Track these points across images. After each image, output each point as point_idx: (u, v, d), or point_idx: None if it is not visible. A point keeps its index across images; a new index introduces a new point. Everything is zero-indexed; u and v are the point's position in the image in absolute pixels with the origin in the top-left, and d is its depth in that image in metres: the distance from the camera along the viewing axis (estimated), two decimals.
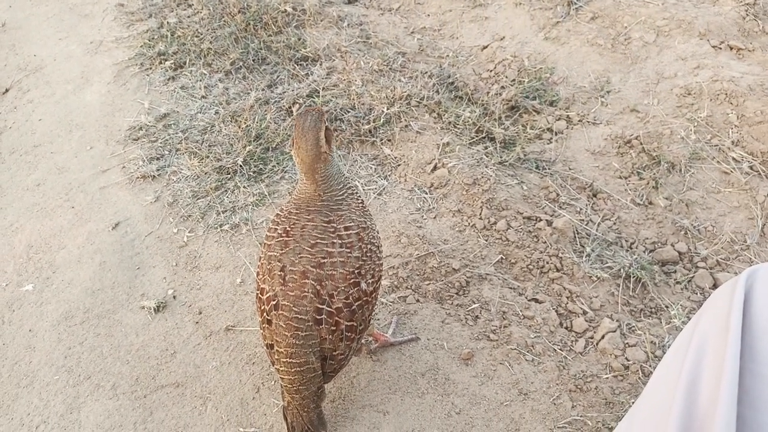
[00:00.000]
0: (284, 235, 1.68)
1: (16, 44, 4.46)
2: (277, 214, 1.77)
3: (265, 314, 1.68)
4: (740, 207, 2.52)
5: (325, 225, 1.66)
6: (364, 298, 1.65)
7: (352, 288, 1.61)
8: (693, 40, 3.35)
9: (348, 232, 1.65)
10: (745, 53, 3.26)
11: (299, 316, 1.60)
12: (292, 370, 1.63)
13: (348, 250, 1.63)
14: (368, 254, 1.67)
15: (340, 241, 1.63)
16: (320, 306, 1.59)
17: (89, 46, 4.19)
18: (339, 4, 4.44)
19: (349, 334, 1.64)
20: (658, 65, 3.29)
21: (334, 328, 1.61)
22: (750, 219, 2.46)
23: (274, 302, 1.63)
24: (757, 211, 2.47)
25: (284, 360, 1.63)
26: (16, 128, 3.61)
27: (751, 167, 2.65)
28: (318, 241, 1.63)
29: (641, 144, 2.84)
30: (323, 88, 3.33)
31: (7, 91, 4.01)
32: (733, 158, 2.69)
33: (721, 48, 3.29)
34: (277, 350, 1.65)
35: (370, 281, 1.66)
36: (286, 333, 1.61)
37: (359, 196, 1.81)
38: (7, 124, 3.67)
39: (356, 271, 1.62)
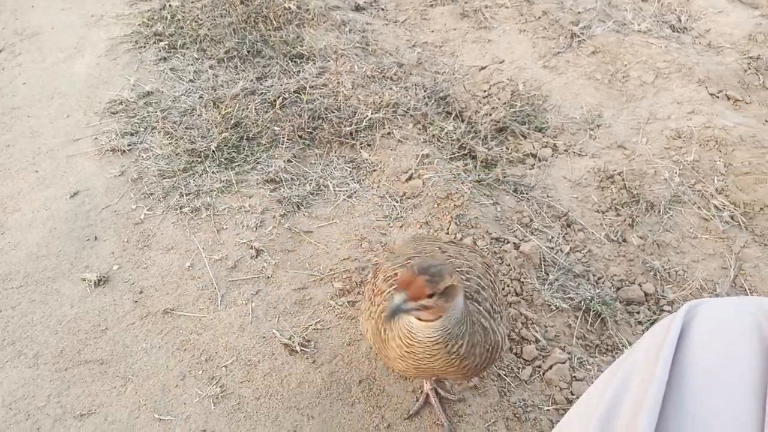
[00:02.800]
0: None
1: (19, 9, 4.43)
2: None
3: None
4: (715, 255, 2.43)
5: None
6: None
7: None
8: (691, 85, 3.30)
9: None
10: (741, 104, 3.20)
11: None
12: None
13: None
14: None
15: None
16: None
17: (89, 19, 4.16)
18: (346, 9, 4.41)
19: None
20: (652, 106, 3.23)
21: None
22: (723, 268, 2.37)
23: None
24: (732, 261, 2.38)
25: None
26: None
27: (731, 217, 2.56)
28: None
29: (623, 180, 2.77)
30: (311, 86, 3.27)
31: None
32: (715, 206, 2.61)
33: (718, 96, 3.24)
34: None
35: None
36: None
37: None
38: None
39: None
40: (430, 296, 1.26)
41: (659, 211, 2.62)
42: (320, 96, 3.23)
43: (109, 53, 3.70)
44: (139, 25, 3.92)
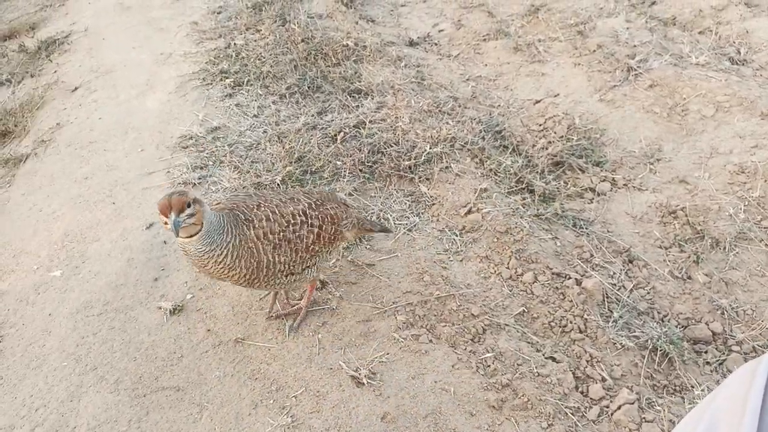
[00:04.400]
0: None
1: (94, 48, 4.74)
2: None
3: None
4: None
5: None
6: None
7: None
8: (754, 119, 3.25)
9: None
10: None
11: None
12: None
13: None
14: None
15: None
16: None
17: (159, 57, 4.41)
18: (400, 45, 4.54)
19: None
20: (713, 140, 3.19)
21: None
22: None
23: None
24: None
25: None
26: (77, 124, 3.79)
27: None
28: None
29: (686, 216, 2.74)
30: (370, 121, 3.37)
31: (76, 89, 4.24)
32: None
33: None
34: None
35: None
36: None
37: None
38: (69, 119, 3.86)
39: None
40: (189, 206, 1.73)
41: (725, 248, 2.58)
42: (379, 130, 3.32)
43: (178, 90, 3.91)
44: (205, 62, 4.13)
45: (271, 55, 4.10)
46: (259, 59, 4.06)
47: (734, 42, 4.05)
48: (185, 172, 3.11)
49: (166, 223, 1.74)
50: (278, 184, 2.94)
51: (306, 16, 4.59)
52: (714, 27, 4.24)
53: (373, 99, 3.65)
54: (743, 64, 3.83)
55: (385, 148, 3.18)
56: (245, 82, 3.86)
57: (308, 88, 3.77)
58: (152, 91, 3.98)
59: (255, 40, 4.35)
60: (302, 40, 4.16)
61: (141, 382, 2.12)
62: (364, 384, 2.04)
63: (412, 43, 4.62)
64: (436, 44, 4.67)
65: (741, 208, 2.73)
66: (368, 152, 3.15)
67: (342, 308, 2.36)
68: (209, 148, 3.28)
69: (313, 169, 3.06)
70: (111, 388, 2.12)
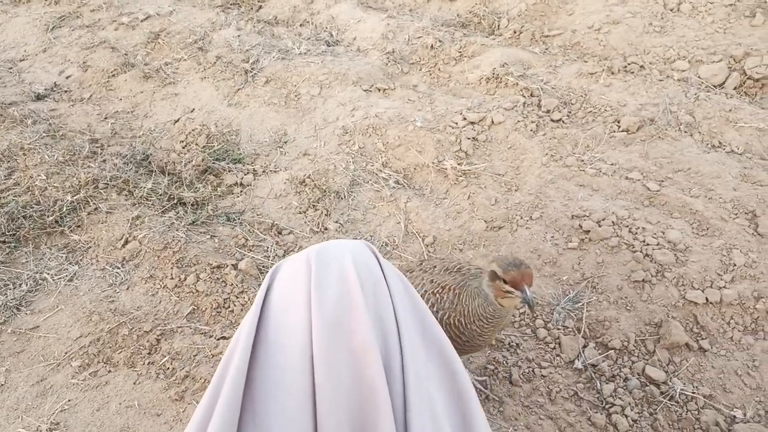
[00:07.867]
0: None
1: None
2: None
3: None
4: (390, 216, 3.04)
5: None
6: None
7: None
8: (349, 88, 3.97)
9: None
10: (389, 92, 3.95)
11: None
12: None
13: None
14: None
15: None
16: None
17: None
18: (25, 102, 4.33)
19: None
20: (324, 113, 3.82)
21: None
22: (397, 223, 2.99)
23: None
24: (401, 216, 3.01)
25: None
26: None
27: (396, 182, 3.22)
28: None
29: (313, 181, 3.27)
30: (2, 190, 3.22)
31: None
32: (383, 178, 3.24)
33: (371, 91, 3.95)
34: None
35: None
36: None
37: None
38: None
39: None
40: None
41: (344, 196, 3.17)
42: (14, 196, 3.20)
43: None
44: None
45: None
46: None
47: (326, 28, 4.82)
48: None
49: (509, 293, 1.74)
50: None
51: None
52: (309, 18, 4.97)
53: (1, 166, 3.46)
54: (336, 45, 4.60)
55: (25, 212, 3.09)
56: None
57: None
58: None
59: None
60: None
61: None
62: None
63: (39, 97, 4.44)
64: (66, 91, 4.56)
65: (350, 161, 3.36)
66: (6, 221, 3.03)
67: (11, 381, 2.31)
68: None
69: None
70: None
